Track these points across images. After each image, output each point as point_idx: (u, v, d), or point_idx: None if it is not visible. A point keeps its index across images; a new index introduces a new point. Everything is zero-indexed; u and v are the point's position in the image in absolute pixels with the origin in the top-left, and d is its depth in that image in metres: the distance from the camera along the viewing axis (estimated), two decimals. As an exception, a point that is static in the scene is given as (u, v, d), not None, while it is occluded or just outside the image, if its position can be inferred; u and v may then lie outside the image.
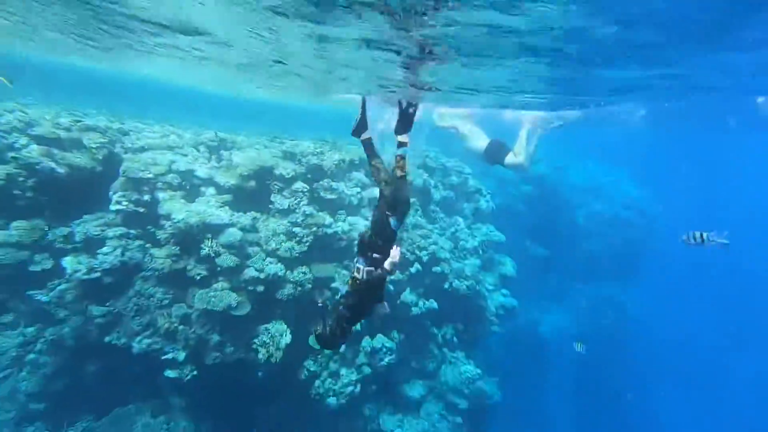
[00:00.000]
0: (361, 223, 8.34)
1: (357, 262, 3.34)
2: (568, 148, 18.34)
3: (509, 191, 15.56)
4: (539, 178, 15.93)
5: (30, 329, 6.00)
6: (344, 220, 8.34)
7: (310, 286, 7.74)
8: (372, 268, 3.27)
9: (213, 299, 6.50)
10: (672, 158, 24.46)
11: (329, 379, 8.04)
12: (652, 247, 17.53)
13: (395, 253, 3.23)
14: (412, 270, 8.77)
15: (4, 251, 5.71)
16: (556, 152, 17.34)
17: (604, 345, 12.58)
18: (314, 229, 7.84)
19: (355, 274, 3.30)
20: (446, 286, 9.14)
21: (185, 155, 8.26)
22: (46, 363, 5.95)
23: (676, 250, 15.39)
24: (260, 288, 7.09)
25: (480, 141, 6.61)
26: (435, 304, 8.85)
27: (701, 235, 4.41)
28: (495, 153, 6.34)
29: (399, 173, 3.58)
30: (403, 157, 3.67)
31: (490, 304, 9.96)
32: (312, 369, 7.98)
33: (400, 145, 3.72)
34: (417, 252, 8.82)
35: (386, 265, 3.21)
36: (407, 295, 8.80)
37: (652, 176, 20.96)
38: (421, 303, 8.85)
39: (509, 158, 6.19)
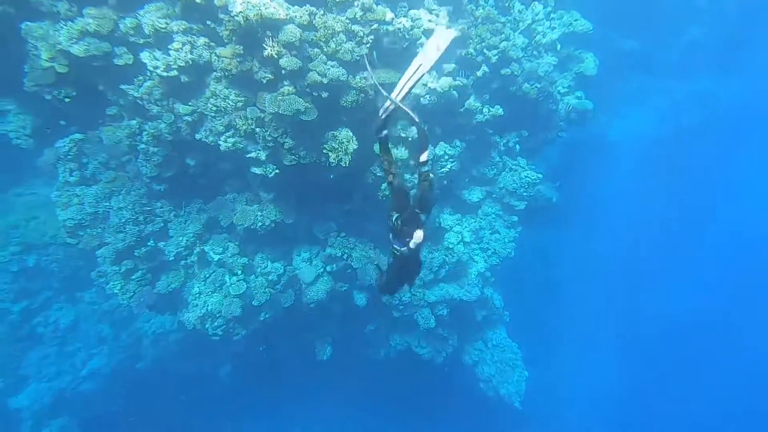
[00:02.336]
0: (424, 18, 7.41)
1: (393, 243, 3.73)
2: None
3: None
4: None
5: (133, 122, 6.75)
6: (406, 15, 7.42)
7: (372, 93, 7.53)
8: (405, 249, 3.70)
9: (282, 104, 6.58)
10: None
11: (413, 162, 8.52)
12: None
13: (419, 235, 3.48)
14: (479, 73, 8.11)
15: (89, 41, 5.89)
16: None
17: (679, 145, 11.99)
18: (374, 26, 7.11)
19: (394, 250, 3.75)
20: (514, 89, 8.53)
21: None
22: (155, 153, 6.86)
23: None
24: (325, 94, 7.00)
25: None
26: (501, 111, 8.46)
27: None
28: None
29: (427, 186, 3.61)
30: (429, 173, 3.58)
31: (561, 108, 9.36)
32: (378, 174, 8.44)
33: (423, 164, 3.59)
34: (485, 52, 7.95)
35: (411, 245, 3.53)
36: (472, 102, 8.42)
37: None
38: (486, 110, 8.50)
39: None
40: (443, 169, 8.91)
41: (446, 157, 8.90)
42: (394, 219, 3.74)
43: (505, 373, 11.73)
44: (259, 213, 8.17)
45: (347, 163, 7.38)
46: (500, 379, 11.72)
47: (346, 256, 9.49)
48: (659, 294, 18.72)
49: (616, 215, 15.02)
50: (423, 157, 3.82)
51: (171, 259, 7.70)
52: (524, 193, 9.53)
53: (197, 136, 6.73)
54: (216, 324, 7.91)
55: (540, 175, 9.33)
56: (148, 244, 7.67)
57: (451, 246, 10.06)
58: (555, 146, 10.29)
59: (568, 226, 12.58)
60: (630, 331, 17.72)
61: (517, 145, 9.49)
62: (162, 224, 7.72)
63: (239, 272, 8.21)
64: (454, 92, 8.07)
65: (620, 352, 17.93)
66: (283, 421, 13.06)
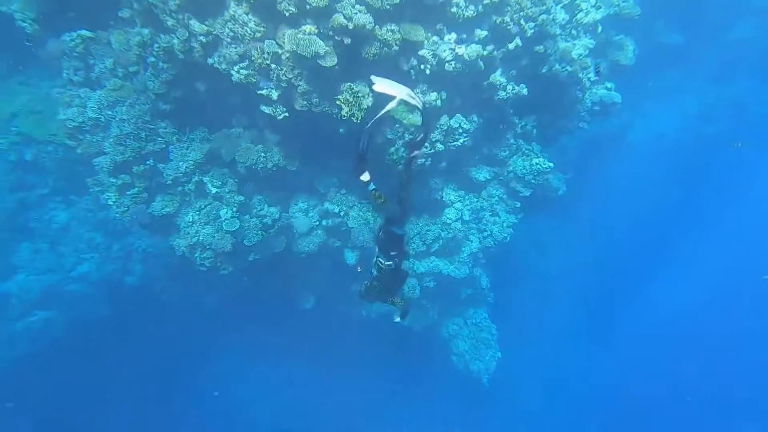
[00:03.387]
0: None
1: (378, 257, 4.21)
2: None
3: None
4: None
5: (145, 31, 6.52)
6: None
7: (396, 48, 7.22)
8: (390, 263, 4.19)
9: (302, 42, 6.32)
10: None
11: (403, 149, 8.40)
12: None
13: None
14: (510, 46, 7.72)
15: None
16: None
17: (699, 153, 11.59)
18: (410, -26, 6.70)
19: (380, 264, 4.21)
20: (544, 69, 8.16)
21: None
22: (164, 69, 6.68)
23: None
24: (347, 40, 6.71)
25: None
26: (525, 90, 8.14)
27: None
28: None
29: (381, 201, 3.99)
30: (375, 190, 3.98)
31: (588, 98, 9.03)
32: (389, 136, 8.26)
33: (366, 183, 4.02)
34: (522, 23, 7.53)
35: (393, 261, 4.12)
36: (497, 77, 8.08)
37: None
38: (510, 87, 8.17)
39: None
40: (455, 143, 8.70)
41: (460, 130, 8.66)
42: (378, 230, 4.23)
43: (479, 351, 12.05)
44: (263, 154, 8.08)
45: (359, 119, 7.18)
46: (473, 355, 12.06)
47: (343, 213, 9.50)
48: (646, 297, 19.01)
49: (618, 217, 14.90)
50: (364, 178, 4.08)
51: (168, 182, 7.66)
52: (532, 180, 9.37)
53: (210, 61, 6.50)
54: (205, 255, 8.02)
55: (551, 165, 9.13)
56: (147, 162, 7.62)
57: (448, 222, 10.03)
58: (572, 137, 10.00)
59: (567, 220, 12.50)
60: (611, 333, 18.16)
61: (534, 130, 9.21)
62: (163, 146, 7.63)
63: (235, 209, 8.22)
64: (481, 63, 7.73)
65: (600, 352, 18.41)
66: (257, 357, 13.59)
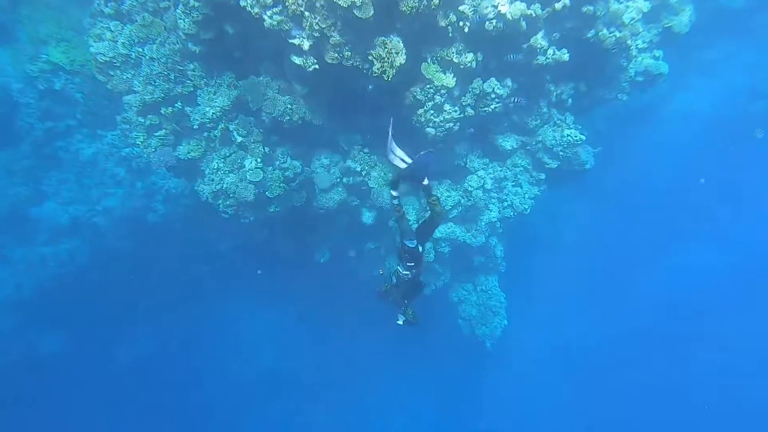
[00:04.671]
0: None
1: (398, 266, 4.69)
2: None
3: None
4: None
5: None
6: None
7: (436, 2, 6.81)
8: (408, 273, 4.67)
9: (338, -11, 5.98)
10: None
11: (432, 111, 8.17)
12: None
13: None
14: (558, 6, 7.22)
15: None
16: None
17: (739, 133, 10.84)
18: None
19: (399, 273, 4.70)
20: (590, 34, 7.65)
21: None
22: (195, 8, 6.42)
23: None
24: (385, -10, 6.33)
25: None
26: (566, 56, 7.69)
27: None
28: None
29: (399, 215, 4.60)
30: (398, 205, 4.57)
31: (632, 68, 8.51)
32: (418, 97, 8.00)
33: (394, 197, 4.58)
34: (571, -20, 6.98)
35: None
36: (538, 39, 7.62)
37: None
38: (551, 52, 7.72)
39: None
40: (486, 108, 8.39)
41: (493, 96, 8.33)
42: (398, 244, 4.63)
43: (486, 318, 12.35)
44: (290, 106, 7.95)
45: (390, 77, 6.94)
46: (479, 321, 12.38)
47: (365, 172, 9.45)
48: (656, 280, 19.04)
49: (643, 196, 14.49)
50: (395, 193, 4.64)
51: (195, 127, 7.65)
52: (560, 152, 9.09)
53: (242, 3, 6.24)
54: (228, 203, 8.15)
55: (583, 137, 8.80)
56: (176, 105, 7.58)
57: (470, 189, 9.92)
58: (605, 108, 9.50)
59: (588, 195, 12.20)
60: (617, 311, 18.40)
61: (570, 99, 8.80)
62: (191, 89, 7.55)
63: (259, 160, 8.23)
64: (523, 23, 7.28)
65: (602, 323, 18.76)
66: (267, 303, 14.19)
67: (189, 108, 7.64)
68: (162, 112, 7.51)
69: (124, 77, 7.35)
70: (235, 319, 13.94)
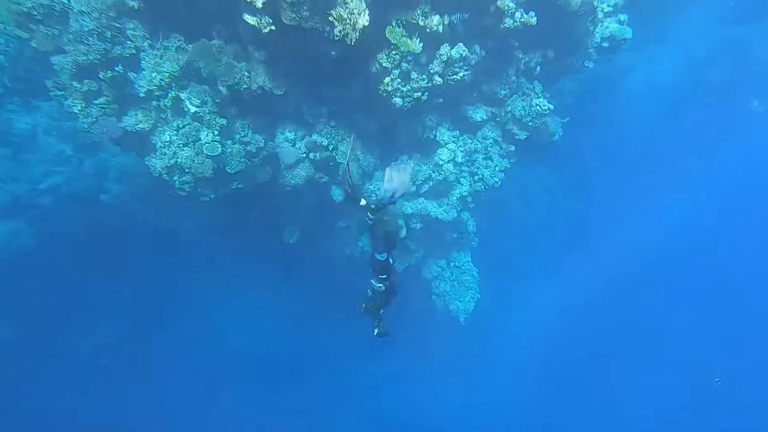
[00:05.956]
0: None
1: (372, 280, 5.02)
2: None
3: None
4: None
5: None
6: None
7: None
8: (381, 285, 5.00)
9: (291, -62, 5.52)
10: None
11: (399, 80, 7.87)
12: None
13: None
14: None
15: None
16: None
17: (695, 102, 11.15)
18: None
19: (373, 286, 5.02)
20: (559, -5, 7.48)
21: None
22: None
23: None
24: (344, -59, 5.92)
25: None
26: (534, 19, 7.49)
27: None
28: None
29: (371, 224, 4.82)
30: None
31: (598, 32, 8.43)
32: (384, 64, 7.67)
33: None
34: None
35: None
36: (506, 1, 7.39)
37: None
38: (519, 15, 7.50)
39: None
40: (454, 77, 8.15)
41: (461, 63, 8.09)
42: (372, 260, 4.88)
43: (459, 292, 12.39)
44: (247, 73, 7.45)
45: (353, 41, 6.56)
46: (453, 296, 12.41)
47: (332, 147, 9.07)
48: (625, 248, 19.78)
49: (611, 163, 14.78)
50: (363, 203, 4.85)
51: (142, 95, 7.02)
52: (530, 123, 9.00)
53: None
54: (184, 179, 7.63)
55: (551, 106, 8.73)
56: (116, 69, 6.88)
57: (441, 163, 9.76)
58: (571, 79, 9.47)
59: (556, 167, 12.31)
60: (585, 286, 19.00)
61: (539, 67, 8.69)
62: (133, 51, 6.86)
63: (216, 132, 7.72)
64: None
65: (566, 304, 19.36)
66: (237, 286, 13.74)
67: (133, 73, 6.98)
68: (101, 76, 6.79)
69: (50, 33, 6.52)
70: (205, 302, 13.44)
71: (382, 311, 5.18)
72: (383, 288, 5.00)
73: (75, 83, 6.72)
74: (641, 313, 20.44)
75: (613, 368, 20.15)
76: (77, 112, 6.79)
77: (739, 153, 18.39)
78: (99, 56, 6.48)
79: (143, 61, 6.88)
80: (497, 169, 10.02)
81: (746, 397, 19.02)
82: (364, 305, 5.19)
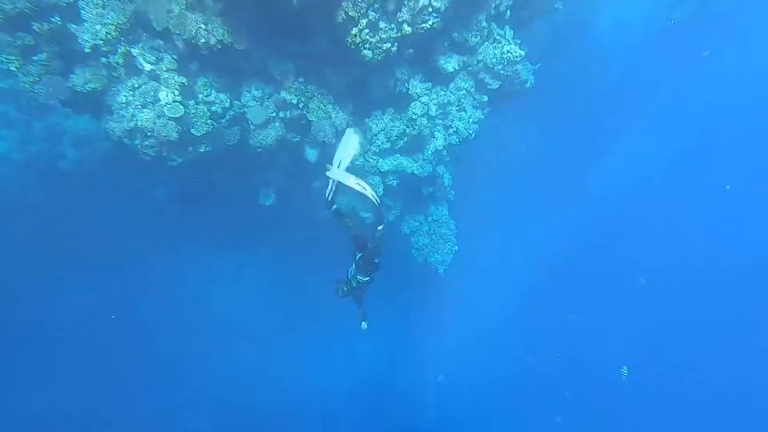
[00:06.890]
0: None
1: (357, 275, 5.39)
2: None
3: None
4: None
5: None
6: None
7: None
8: (368, 278, 5.38)
9: None
10: None
11: (367, 30, 7.51)
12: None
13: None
14: None
15: None
16: None
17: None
18: None
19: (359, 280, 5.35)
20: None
21: None
22: None
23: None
24: None
25: None
26: (505, -42, 7.20)
27: None
28: None
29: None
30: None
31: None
32: (350, 14, 7.27)
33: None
34: None
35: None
36: (476, -61, 7.02)
37: None
38: (489, -47, 7.18)
39: None
40: (423, 25, 7.84)
41: (430, 10, 7.76)
42: (357, 258, 5.24)
43: (437, 246, 12.68)
44: (203, 26, 6.92)
45: (315, -11, 6.16)
46: (431, 249, 12.71)
47: (302, 105, 8.75)
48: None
49: (582, 106, 14.95)
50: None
51: (87, 50, 6.43)
52: (501, 71, 8.87)
53: None
54: (147, 144, 7.27)
55: (523, 53, 8.58)
56: (52, 20, 6.23)
57: (414, 117, 9.59)
58: (542, 23, 9.26)
59: (530, 117, 12.34)
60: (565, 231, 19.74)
61: (509, 11, 8.44)
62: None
63: (176, 92, 7.28)
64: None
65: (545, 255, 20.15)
66: (212, 252, 13.58)
67: (73, 25, 6.35)
68: (35, 29, 6.14)
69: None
70: (181, 269, 13.25)
71: (363, 297, 5.60)
72: (369, 280, 5.36)
73: (6, 36, 6.04)
74: (619, 256, 21.45)
75: (591, 313, 21.33)
76: (15, 69, 6.16)
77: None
78: (29, 4, 5.80)
79: (83, 11, 6.22)
80: (471, 120, 9.95)
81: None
82: (343, 290, 5.49)
